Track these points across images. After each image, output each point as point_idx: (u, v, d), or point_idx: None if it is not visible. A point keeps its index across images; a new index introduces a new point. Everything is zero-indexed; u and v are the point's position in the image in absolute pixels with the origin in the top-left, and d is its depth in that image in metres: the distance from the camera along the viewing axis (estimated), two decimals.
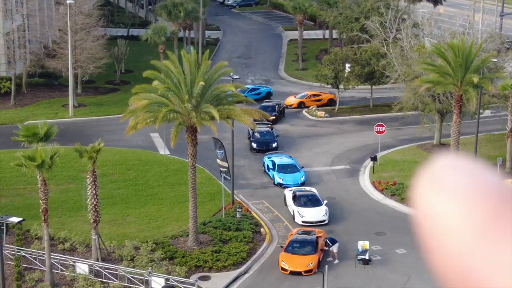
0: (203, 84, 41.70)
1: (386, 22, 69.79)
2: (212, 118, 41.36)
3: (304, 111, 71.20)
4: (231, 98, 45.27)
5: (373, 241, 45.05)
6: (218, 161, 50.75)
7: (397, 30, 68.10)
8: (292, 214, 48.98)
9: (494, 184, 0.99)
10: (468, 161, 1.00)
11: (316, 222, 47.57)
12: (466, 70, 48.18)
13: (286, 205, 50.42)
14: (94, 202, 41.26)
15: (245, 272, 42.52)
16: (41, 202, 39.44)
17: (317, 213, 48.01)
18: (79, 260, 41.94)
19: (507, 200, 0.98)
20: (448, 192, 0.99)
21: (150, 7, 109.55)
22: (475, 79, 46.94)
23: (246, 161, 58.88)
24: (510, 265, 0.97)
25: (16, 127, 44.81)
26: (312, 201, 48.98)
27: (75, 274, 41.04)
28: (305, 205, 48.65)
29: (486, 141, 62.22)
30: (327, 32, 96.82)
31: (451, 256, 1.05)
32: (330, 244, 43.44)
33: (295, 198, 49.37)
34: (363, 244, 42.92)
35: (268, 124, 63.69)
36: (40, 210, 39.72)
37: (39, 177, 38.96)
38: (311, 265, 42.17)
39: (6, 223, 37.92)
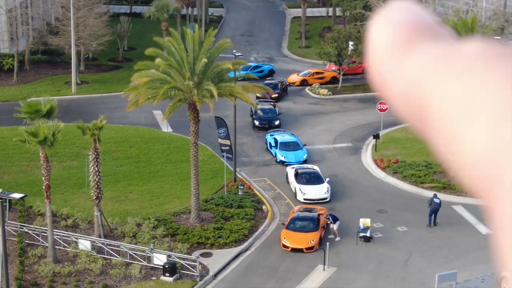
0: (206, 61, 41.63)
1: (389, 0, 69.44)
2: (213, 95, 41.36)
3: (306, 89, 71.14)
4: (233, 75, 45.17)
5: (375, 218, 45.17)
6: (220, 140, 50.80)
7: None
8: (294, 191, 49.08)
9: (427, 20, 1.12)
10: (414, 6, 1.14)
11: (318, 200, 47.66)
12: None
13: (288, 182, 50.50)
14: (97, 179, 41.37)
15: (246, 249, 42.68)
16: (43, 178, 39.55)
17: (319, 191, 48.09)
18: (82, 236, 42.13)
19: (429, 30, 1.11)
20: (395, 24, 1.11)
21: None
22: None
23: (249, 138, 58.93)
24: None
25: (18, 104, 44.81)
26: (314, 178, 49.04)
27: (77, 250, 41.24)
28: (307, 182, 48.72)
29: None
30: (330, 9, 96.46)
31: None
32: (331, 221, 43.57)
33: (297, 175, 49.44)
34: (364, 222, 43.04)
35: (271, 101, 63.69)
36: (43, 187, 39.84)
37: (42, 153, 39.05)
38: (312, 242, 42.30)
39: (8, 199, 38.05)
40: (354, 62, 72.17)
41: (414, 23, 1.11)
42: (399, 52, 1.09)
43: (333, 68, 74.20)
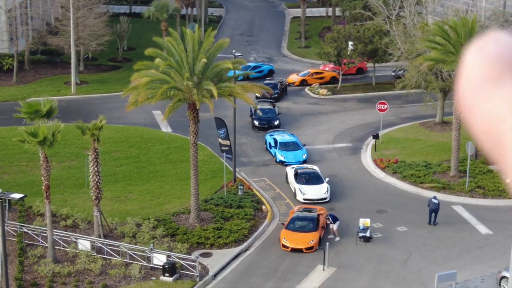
0: (205, 61, 41.64)
1: (389, 0, 69.48)
2: (212, 95, 41.37)
3: (306, 89, 71.16)
4: (232, 74, 45.16)
5: (374, 218, 45.19)
6: (220, 140, 50.83)
7: (400, 8, 67.82)
8: (293, 191, 49.10)
9: None
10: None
11: (317, 200, 47.68)
12: None
13: (287, 182, 50.52)
14: (96, 179, 41.37)
15: (246, 249, 42.69)
16: (43, 179, 39.55)
17: (319, 191, 48.11)
18: (81, 236, 42.13)
19: None
20: (487, 57, 1.17)
21: None
22: None
23: (248, 138, 58.95)
24: None
25: (18, 104, 44.82)
26: (313, 178, 49.07)
27: (77, 251, 41.24)
28: (306, 182, 48.75)
29: None
30: (330, 9, 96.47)
31: (484, 113, 1.19)
32: (331, 221, 43.57)
33: (297, 175, 49.46)
34: (364, 222, 43.05)
35: (270, 101, 63.72)
36: (42, 187, 39.84)
37: (41, 154, 39.05)
38: (312, 242, 42.31)
39: (8, 199, 38.04)
40: (353, 62, 72.22)
41: (507, 58, 1.15)
42: (488, 85, 1.15)
43: (327, 68, 74.25)
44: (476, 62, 1.16)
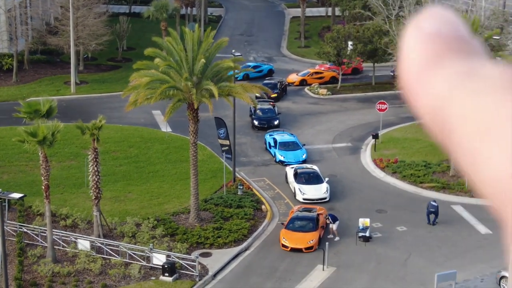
0: (204, 62, 41.64)
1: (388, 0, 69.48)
2: (212, 95, 41.35)
3: (306, 89, 71.13)
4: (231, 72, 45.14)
5: (374, 218, 45.17)
6: (220, 140, 50.82)
7: (399, 7, 67.82)
8: (293, 191, 49.09)
9: (463, 35, 1.15)
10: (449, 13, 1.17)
11: (317, 200, 47.67)
12: None
13: (287, 182, 50.51)
14: (96, 179, 41.37)
15: (246, 249, 42.68)
16: (43, 178, 39.55)
17: (318, 191, 48.10)
18: (81, 236, 42.12)
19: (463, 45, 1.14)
20: (426, 35, 1.15)
21: None
22: None
23: (248, 138, 58.94)
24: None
25: (18, 104, 44.82)
26: (313, 178, 49.05)
27: (76, 250, 41.23)
28: (306, 182, 48.73)
29: None
30: (329, 9, 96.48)
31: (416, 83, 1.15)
32: (331, 221, 43.57)
33: (296, 175, 49.45)
34: (363, 221, 43.05)
35: (270, 101, 63.70)
36: (42, 187, 39.84)
37: (41, 153, 39.05)
38: (311, 242, 42.30)
39: (7, 199, 38.04)
40: (350, 62, 72.16)
41: (446, 37, 1.13)
42: (429, 68, 1.12)
43: (323, 68, 74.23)
44: (414, 41, 1.13)
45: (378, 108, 59.09)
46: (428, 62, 1.12)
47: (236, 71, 47.06)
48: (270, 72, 75.08)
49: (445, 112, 1.10)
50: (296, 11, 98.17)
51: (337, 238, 43.28)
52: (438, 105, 1.11)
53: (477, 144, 1.06)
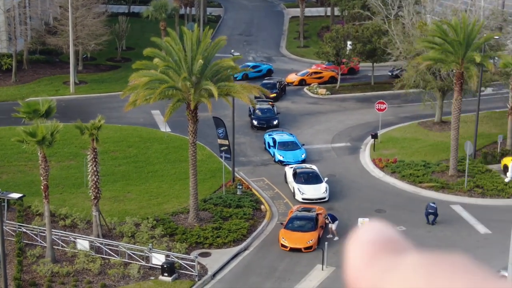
0: (202, 62, 41.64)
1: None
2: (211, 95, 41.34)
3: (305, 89, 71.16)
4: (230, 71, 45.07)
5: (373, 218, 45.17)
6: (219, 140, 50.81)
7: (399, 7, 67.83)
8: (292, 191, 49.10)
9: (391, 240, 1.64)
10: (384, 226, 1.66)
11: (316, 199, 47.68)
12: (467, 48, 48.06)
13: (286, 182, 50.52)
14: (95, 179, 41.36)
15: (245, 249, 42.69)
16: (42, 178, 39.53)
17: (317, 190, 48.11)
18: (80, 236, 42.11)
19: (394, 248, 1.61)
20: (363, 242, 1.59)
21: None
22: (477, 58, 46.70)
23: (247, 138, 58.95)
24: None
25: (17, 104, 44.80)
26: (312, 178, 49.06)
27: (76, 250, 41.23)
28: (305, 182, 48.75)
29: (487, 119, 62.18)
30: (328, 9, 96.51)
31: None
32: (330, 220, 43.58)
33: (296, 175, 49.45)
34: (363, 221, 43.03)
35: (269, 101, 63.70)
36: (41, 187, 39.82)
37: (40, 153, 39.03)
38: (311, 242, 42.32)
39: (7, 199, 38.04)
40: (348, 62, 72.16)
41: (378, 241, 1.58)
42: (366, 264, 1.55)
43: (319, 68, 74.25)
44: (357, 247, 1.57)
45: (377, 108, 59.10)
46: (365, 260, 1.54)
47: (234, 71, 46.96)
48: (269, 72, 75.08)
49: None
50: (295, 11, 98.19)
51: (336, 238, 43.29)
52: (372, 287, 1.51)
53: None
